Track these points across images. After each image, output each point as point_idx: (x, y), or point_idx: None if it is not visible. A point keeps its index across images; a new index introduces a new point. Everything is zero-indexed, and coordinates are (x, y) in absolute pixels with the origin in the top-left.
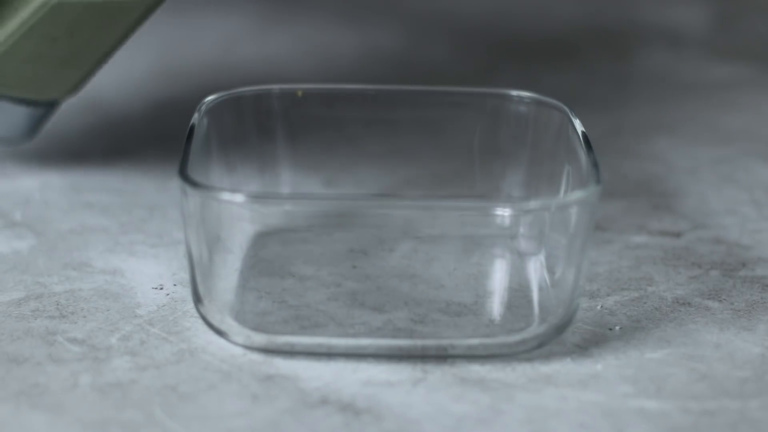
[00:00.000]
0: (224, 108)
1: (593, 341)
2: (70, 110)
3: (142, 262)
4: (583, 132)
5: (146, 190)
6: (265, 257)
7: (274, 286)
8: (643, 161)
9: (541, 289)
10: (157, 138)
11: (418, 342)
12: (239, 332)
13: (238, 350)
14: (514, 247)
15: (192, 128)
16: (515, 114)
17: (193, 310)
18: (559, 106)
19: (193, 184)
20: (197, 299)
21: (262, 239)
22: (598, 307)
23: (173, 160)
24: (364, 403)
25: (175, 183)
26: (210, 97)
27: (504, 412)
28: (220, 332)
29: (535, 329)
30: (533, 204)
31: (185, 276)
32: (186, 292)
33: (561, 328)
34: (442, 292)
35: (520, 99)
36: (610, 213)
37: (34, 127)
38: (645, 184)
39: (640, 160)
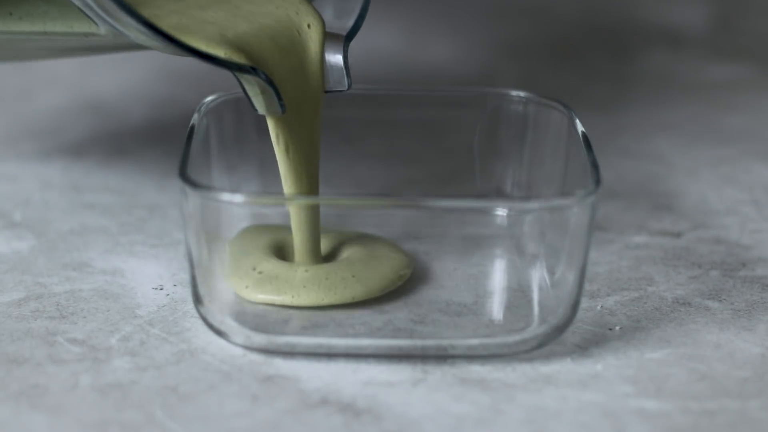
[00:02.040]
0: (224, 108)
1: (593, 341)
2: (70, 110)
3: (142, 263)
4: (583, 132)
5: (146, 190)
6: None
7: None
8: (643, 161)
9: (541, 289)
10: (157, 138)
11: (418, 342)
12: (239, 332)
13: (238, 351)
14: (514, 247)
15: (192, 129)
16: (515, 114)
17: (193, 311)
18: (559, 106)
19: (193, 184)
20: (197, 300)
21: None
22: (598, 307)
23: (173, 160)
24: (364, 404)
25: (175, 183)
26: (210, 98)
27: (504, 413)
28: (220, 333)
29: (535, 329)
30: (533, 204)
31: (185, 276)
32: (186, 293)
33: (561, 329)
34: (442, 292)
35: (520, 99)
36: (610, 213)
37: None
38: (645, 184)
39: (640, 160)
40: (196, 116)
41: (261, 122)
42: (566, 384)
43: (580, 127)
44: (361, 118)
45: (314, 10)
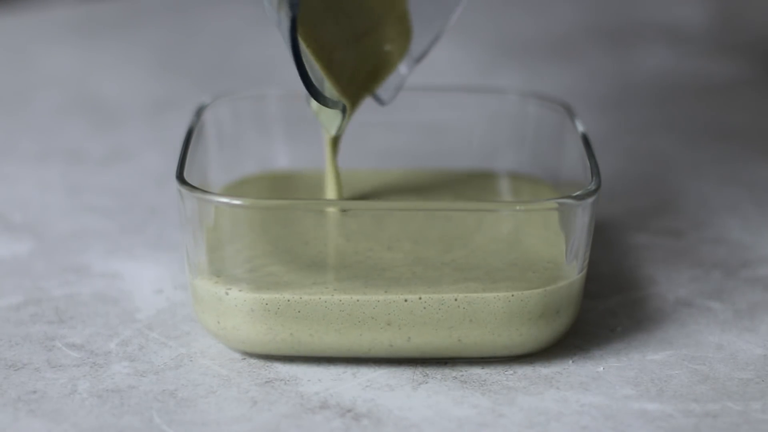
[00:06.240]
0: (223, 110)
1: (594, 343)
2: (70, 110)
3: (142, 266)
4: (583, 132)
5: (146, 192)
6: None
7: None
8: (644, 161)
9: None
10: (157, 138)
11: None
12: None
13: (237, 354)
14: None
15: (190, 131)
16: (515, 114)
17: (193, 314)
18: (558, 106)
19: (191, 187)
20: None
21: None
22: (600, 308)
23: (173, 162)
24: (364, 407)
25: (174, 185)
26: (209, 100)
27: (505, 415)
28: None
29: None
30: (533, 204)
31: (185, 279)
32: (186, 296)
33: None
34: None
35: (520, 99)
36: (610, 213)
37: None
38: (645, 184)
39: (640, 160)
40: (194, 119)
41: (260, 124)
42: (567, 386)
43: (580, 127)
44: (361, 119)
45: (409, 38)
